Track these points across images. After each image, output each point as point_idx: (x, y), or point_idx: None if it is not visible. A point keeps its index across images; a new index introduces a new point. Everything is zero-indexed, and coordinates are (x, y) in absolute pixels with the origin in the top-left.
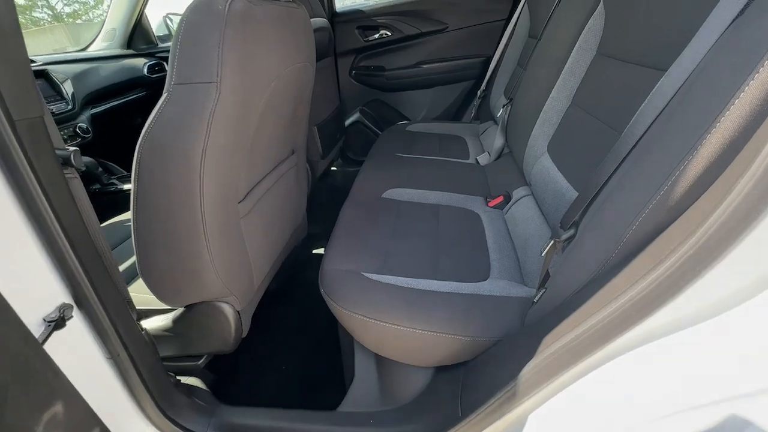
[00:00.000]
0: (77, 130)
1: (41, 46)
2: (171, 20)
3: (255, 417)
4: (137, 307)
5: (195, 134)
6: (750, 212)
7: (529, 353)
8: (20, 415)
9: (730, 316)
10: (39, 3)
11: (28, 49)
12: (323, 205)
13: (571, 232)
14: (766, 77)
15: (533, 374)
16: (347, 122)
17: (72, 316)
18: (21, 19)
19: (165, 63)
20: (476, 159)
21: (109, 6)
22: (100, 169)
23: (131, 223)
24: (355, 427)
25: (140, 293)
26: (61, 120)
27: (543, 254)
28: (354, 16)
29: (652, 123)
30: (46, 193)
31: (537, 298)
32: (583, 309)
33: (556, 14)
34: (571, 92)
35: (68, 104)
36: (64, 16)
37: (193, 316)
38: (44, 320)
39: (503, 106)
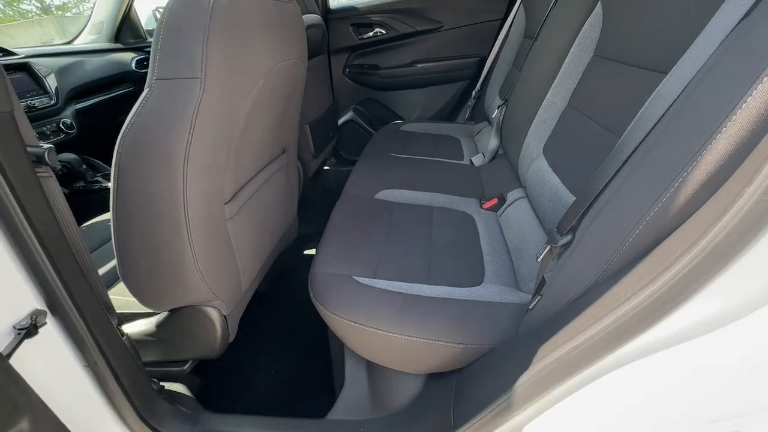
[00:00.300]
0: (61, 125)
1: (29, 39)
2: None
3: (241, 425)
4: (119, 311)
5: (178, 132)
6: (756, 222)
7: (524, 364)
8: None
9: (732, 329)
10: None
11: (14, 41)
12: (315, 205)
13: (568, 237)
14: None
15: (528, 386)
16: (340, 121)
17: (45, 323)
18: (8, 12)
19: None
20: (471, 160)
21: None
22: (84, 166)
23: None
24: None
25: (123, 296)
26: (44, 115)
27: (539, 260)
28: (348, 13)
29: (653, 127)
30: (15, 193)
31: (532, 305)
32: (578, 320)
33: (552, 15)
34: (568, 94)
35: (51, 99)
36: (53, 9)
37: (178, 321)
38: (14, 328)
39: (498, 107)
